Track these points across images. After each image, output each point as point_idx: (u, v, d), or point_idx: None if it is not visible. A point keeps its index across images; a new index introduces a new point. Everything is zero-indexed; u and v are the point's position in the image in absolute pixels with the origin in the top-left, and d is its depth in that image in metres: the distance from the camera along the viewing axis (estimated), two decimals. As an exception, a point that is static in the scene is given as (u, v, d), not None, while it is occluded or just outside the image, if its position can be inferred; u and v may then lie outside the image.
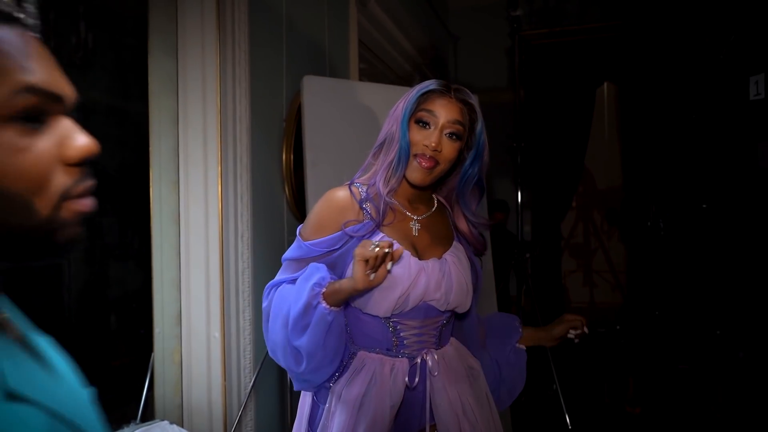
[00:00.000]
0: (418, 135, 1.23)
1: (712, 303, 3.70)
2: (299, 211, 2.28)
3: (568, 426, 2.95)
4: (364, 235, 1.22)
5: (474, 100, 1.28)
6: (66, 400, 0.52)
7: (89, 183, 0.52)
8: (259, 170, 2.01)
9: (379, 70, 3.67)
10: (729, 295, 3.56)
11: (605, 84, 5.02)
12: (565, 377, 3.24)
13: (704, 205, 3.81)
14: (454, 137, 1.23)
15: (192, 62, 1.77)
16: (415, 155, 1.23)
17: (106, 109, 2.90)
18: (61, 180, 0.49)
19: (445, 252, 1.30)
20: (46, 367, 0.53)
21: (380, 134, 1.30)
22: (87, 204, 0.51)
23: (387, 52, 3.60)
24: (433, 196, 1.37)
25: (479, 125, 1.26)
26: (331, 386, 1.28)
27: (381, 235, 1.24)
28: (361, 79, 3.11)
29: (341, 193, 1.27)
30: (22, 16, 0.48)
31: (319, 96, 2.19)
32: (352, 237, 1.23)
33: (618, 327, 4.44)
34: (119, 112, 2.92)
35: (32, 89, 0.46)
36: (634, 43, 4.34)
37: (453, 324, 1.36)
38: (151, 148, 1.82)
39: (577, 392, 3.55)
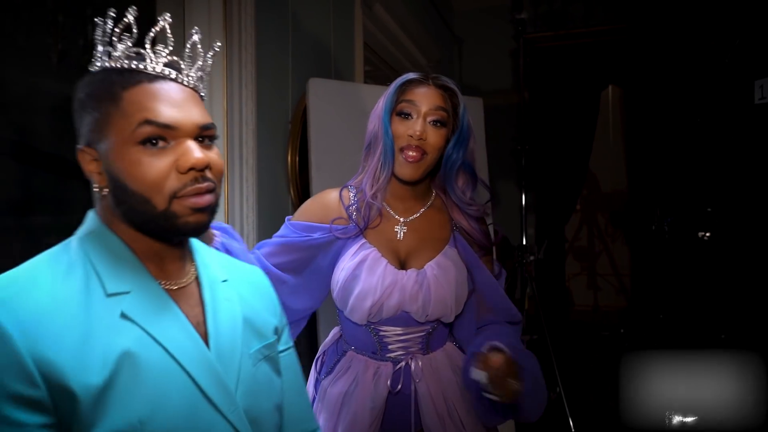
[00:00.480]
0: (401, 127, 1.20)
1: (717, 307, 3.69)
2: (304, 213, 2.29)
3: (571, 430, 2.95)
4: (348, 237, 1.24)
5: (453, 85, 1.25)
6: (184, 348, 0.72)
7: (202, 185, 0.73)
8: (265, 172, 2.02)
9: (384, 72, 3.68)
10: (734, 298, 3.54)
11: (610, 87, 5.02)
12: (568, 381, 3.24)
13: (709, 209, 3.80)
14: (438, 124, 1.20)
15: (199, 65, 1.78)
16: (401, 149, 1.20)
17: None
18: (173, 184, 0.72)
19: (431, 259, 1.24)
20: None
21: (366, 136, 1.29)
22: (198, 200, 0.73)
23: (392, 54, 3.61)
24: (432, 189, 1.32)
25: (461, 109, 1.23)
26: (321, 379, 1.31)
27: (362, 240, 1.24)
28: (366, 82, 3.12)
29: (332, 195, 1.30)
30: (165, 71, 0.74)
31: (325, 98, 2.20)
32: (337, 238, 1.24)
33: (622, 330, 4.43)
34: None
35: (150, 122, 0.71)
36: (639, 47, 4.33)
37: (448, 329, 1.31)
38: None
39: (581, 396, 3.54)
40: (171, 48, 0.77)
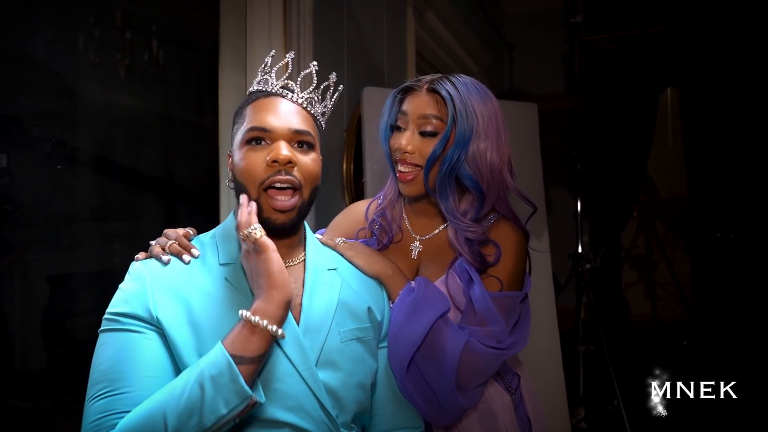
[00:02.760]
0: (393, 142, 1.11)
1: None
2: (358, 221, 2.32)
3: (631, 445, 2.85)
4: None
5: (448, 89, 1.07)
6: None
7: (283, 177, 0.89)
8: (321, 180, 2.05)
9: (435, 79, 3.68)
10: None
11: (668, 89, 4.84)
12: (627, 394, 3.12)
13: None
14: (428, 135, 1.07)
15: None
16: (397, 165, 1.11)
17: (180, 122, 3.06)
18: (261, 174, 0.89)
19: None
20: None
21: None
22: (279, 199, 0.89)
23: (443, 61, 3.62)
24: None
25: (455, 114, 1.06)
26: None
27: None
28: (417, 90, 3.13)
29: (360, 207, 1.26)
30: (279, 91, 0.94)
31: (378, 107, 2.21)
32: None
33: (684, 342, 4.24)
34: (192, 125, 3.07)
35: (251, 129, 0.90)
36: (698, 47, 4.17)
37: None
38: (220, 161, 1.90)
39: (641, 410, 3.41)
40: (288, 73, 0.97)
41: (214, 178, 1.97)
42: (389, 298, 1.09)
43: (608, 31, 4.48)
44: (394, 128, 1.12)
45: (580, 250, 3.46)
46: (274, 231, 0.90)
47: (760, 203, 3.91)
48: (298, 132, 0.91)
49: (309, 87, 0.96)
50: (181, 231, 0.99)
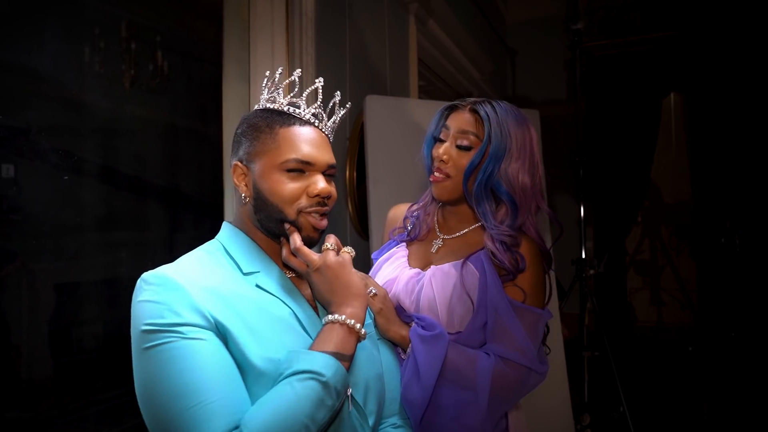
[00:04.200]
0: (434, 151, 1.27)
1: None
2: (362, 227, 2.33)
3: (637, 452, 2.83)
4: (399, 242, 1.35)
5: (486, 111, 1.20)
6: (301, 311, 0.97)
7: (322, 209, 0.99)
8: None
9: (438, 87, 3.71)
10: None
11: (672, 94, 4.84)
12: (632, 400, 3.11)
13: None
14: (463, 148, 1.22)
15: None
16: (432, 171, 1.27)
17: (185, 132, 3.08)
18: (302, 203, 0.97)
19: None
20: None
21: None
22: (319, 222, 0.99)
23: (445, 69, 3.64)
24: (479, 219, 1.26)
25: (491, 131, 1.18)
26: None
27: (404, 245, 1.35)
28: (420, 97, 3.15)
29: (401, 208, 1.42)
30: (311, 120, 1.00)
31: (381, 114, 2.24)
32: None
33: (690, 348, 4.21)
34: (197, 134, 3.10)
35: (295, 160, 0.96)
36: (700, 52, 4.17)
37: None
38: (225, 170, 1.92)
39: (646, 416, 3.39)
40: (296, 90, 1.02)
41: (218, 187, 1.99)
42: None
43: (610, 36, 4.49)
44: (437, 140, 1.26)
45: (584, 255, 3.45)
46: (307, 246, 0.99)
47: (765, 208, 3.89)
48: (332, 166, 1.01)
49: (325, 110, 1.03)
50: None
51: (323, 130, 1.01)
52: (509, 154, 1.19)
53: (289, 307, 0.95)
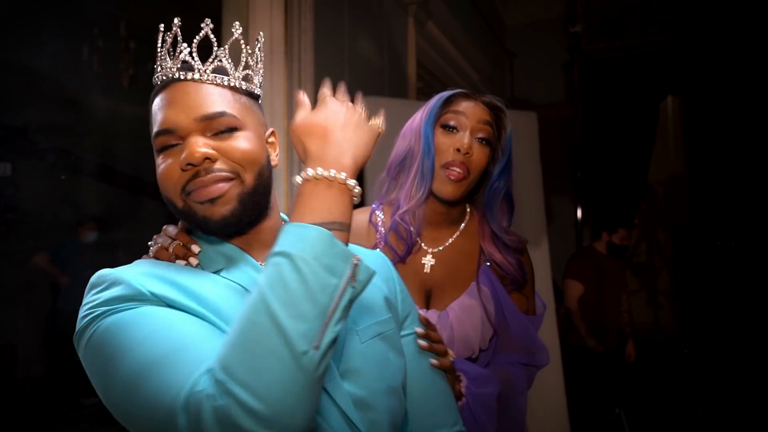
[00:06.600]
0: (446, 140, 1.08)
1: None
2: (359, 228, 2.33)
3: (633, 453, 2.84)
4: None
5: (501, 104, 1.14)
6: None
7: (205, 178, 0.70)
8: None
9: (436, 88, 3.70)
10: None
11: (669, 98, 4.86)
12: (629, 403, 3.12)
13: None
14: (484, 142, 1.09)
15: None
16: (444, 165, 1.07)
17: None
18: (178, 181, 0.71)
19: (456, 298, 1.11)
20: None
21: (394, 153, 1.18)
22: (202, 192, 0.70)
23: (443, 70, 3.64)
24: (466, 214, 1.18)
25: (508, 132, 1.12)
26: None
27: None
28: (418, 99, 3.16)
29: (359, 218, 1.17)
30: (175, 75, 0.73)
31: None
32: None
33: (686, 351, 4.23)
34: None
35: (157, 133, 0.72)
36: (698, 56, 4.19)
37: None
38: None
39: (642, 419, 3.40)
40: (191, 48, 0.73)
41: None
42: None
43: (608, 40, 4.51)
44: (447, 127, 1.10)
45: (580, 257, 3.46)
46: (221, 231, 0.73)
47: (761, 211, 3.91)
48: (209, 117, 0.71)
49: (211, 52, 0.74)
50: (178, 227, 0.81)
51: (199, 78, 0.72)
52: (513, 151, 1.13)
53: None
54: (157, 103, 0.73)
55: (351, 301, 0.61)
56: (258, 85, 0.79)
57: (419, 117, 1.14)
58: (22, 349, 2.93)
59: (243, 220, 0.73)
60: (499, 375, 1.07)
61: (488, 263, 1.13)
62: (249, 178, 0.72)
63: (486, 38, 4.54)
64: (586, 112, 4.41)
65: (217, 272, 0.74)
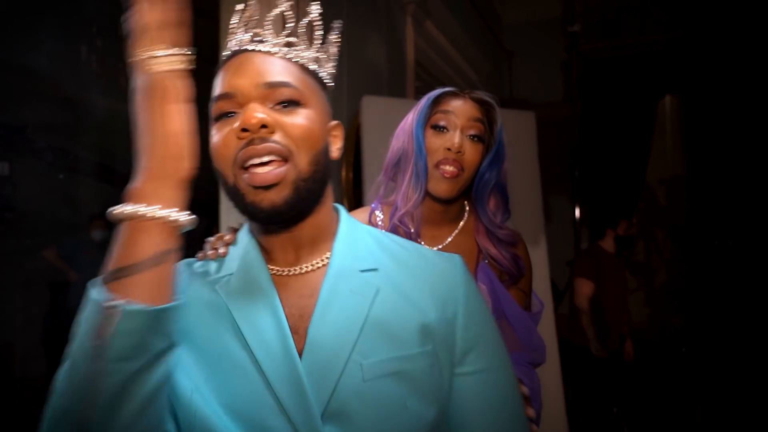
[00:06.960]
0: (436, 140, 1.10)
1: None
2: (357, 228, 2.33)
3: (630, 452, 2.85)
4: None
5: (490, 98, 1.14)
6: (265, 340, 0.64)
7: (258, 147, 0.63)
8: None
9: (435, 88, 3.71)
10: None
11: (667, 97, 4.87)
12: (626, 402, 3.12)
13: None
14: (476, 139, 1.10)
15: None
16: (437, 164, 1.09)
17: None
18: (232, 150, 0.64)
19: None
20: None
21: (389, 154, 1.18)
22: (256, 174, 0.63)
23: (442, 69, 3.65)
24: (464, 211, 1.18)
25: (498, 126, 1.12)
26: None
27: None
28: (416, 98, 3.15)
29: (359, 218, 1.16)
30: (245, 46, 0.68)
31: (377, 115, 2.25)
32: None
33: (684, 350, 4.24)
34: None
35: (214, 101, 0.67)
36: (696, 55, 4.20)
37: None
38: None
39: (640, 418, 3.41)
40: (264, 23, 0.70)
41: (213, 185, 1.99)
42: None
43: (606, 39, 4.52)
44: (437, 128, 1.11)
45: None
46: (267, 220, 0.67)
47: (759, 211, 3.92)
48: (272, 85, 0.65)
49: (284, 27, 0.71)
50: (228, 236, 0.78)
51: (268, 51, 0.68)
52: (505, 146, 1.13)
53: (242, 334, 0.64)
54: (222, 71, 0.68)
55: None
56: (328, 74, 0.74)
57: (411, 118, 1.14)
58: (19, 348, 2.93)
59: (294, 209, 0.65)
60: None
61: (486, 260, 1.13)
62: (303, 161, 0.65)
63: (484, 38, 4.54)
64: (585, 111, 4.42)
65: (225, 276, 0.69)
